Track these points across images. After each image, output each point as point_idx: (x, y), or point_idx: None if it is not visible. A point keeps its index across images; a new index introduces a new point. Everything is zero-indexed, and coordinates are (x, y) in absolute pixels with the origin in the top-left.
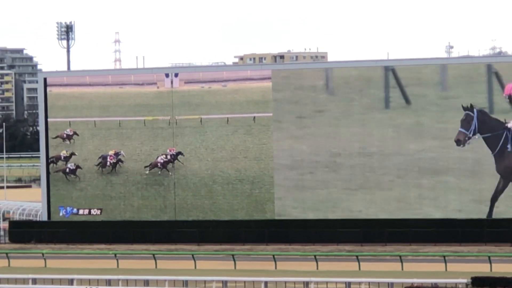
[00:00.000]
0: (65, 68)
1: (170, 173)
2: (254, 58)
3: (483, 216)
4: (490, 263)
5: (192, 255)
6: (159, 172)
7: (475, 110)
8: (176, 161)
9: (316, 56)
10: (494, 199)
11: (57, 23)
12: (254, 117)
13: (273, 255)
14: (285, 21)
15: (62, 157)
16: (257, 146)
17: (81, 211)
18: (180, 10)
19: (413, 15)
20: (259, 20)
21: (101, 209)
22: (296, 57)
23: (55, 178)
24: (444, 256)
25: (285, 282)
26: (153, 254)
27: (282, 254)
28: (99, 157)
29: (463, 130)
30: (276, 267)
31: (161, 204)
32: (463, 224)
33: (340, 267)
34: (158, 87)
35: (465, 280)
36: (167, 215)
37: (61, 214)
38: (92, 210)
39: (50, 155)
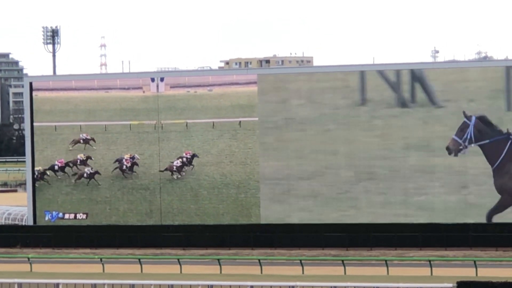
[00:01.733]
0: (51, 73)
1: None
2: (239, 63)
3: (469, 220)
4: (476, 267)
5: (178, 259)
6: (175, 177)
7: (473, 118)
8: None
9: (302, 61)
10: (489, 216)
11: (43, 27)
12: (240, 122)
13: (259, 260)
14: (271, 25)
15: (79, 161)
16: (243, 151)
17: (66, 216)
18: (165, 15)
19: (398, 20)
20: (245, 25)
21: (86, 214)
22: (282, 61)
23: (41, 182)
24: (429, 261)
25: (271, 287)
26: (139, 259)
27: (267, 258)
28: (115, 161)
29: (456, 138)
30: (261, 272)
31: (147, 209)
32: (449, 229)
33: (325, 272)
34: (143, 92)
35: (450, 285)
36: (153, 219)
37: (46, 218)
38: (77, 215)
39: (65, 160)
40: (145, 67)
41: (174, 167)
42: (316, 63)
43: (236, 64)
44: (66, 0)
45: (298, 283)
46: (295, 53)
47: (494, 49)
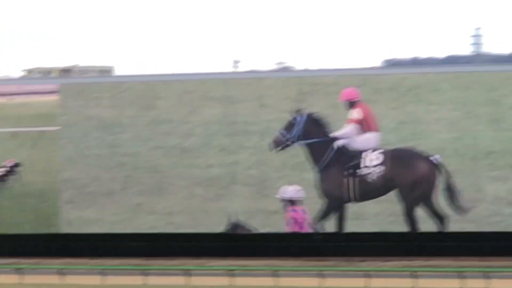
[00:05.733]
0: None
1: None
2: (41, 72)
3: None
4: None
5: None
6: None
7: (304, 115)
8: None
9: (103, 70)
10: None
11: None
12: (41, 131)
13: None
14: (72, 35)
15: None
16: (45, 159)
17: None
18: None
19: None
20: (48, 33)
21: None
22: (84, 70)
23: None
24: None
25: None
26: None
27: (68, 267)
28: None
29: (282, 133)
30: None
31: None
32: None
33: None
34: None
35: None
36: None
37: None
38: None
39: None
40: None
41: None
42: (117, 72)
43: (37, 73)
44: None
45: None
46: (97, 63)
47: (293, 61)
